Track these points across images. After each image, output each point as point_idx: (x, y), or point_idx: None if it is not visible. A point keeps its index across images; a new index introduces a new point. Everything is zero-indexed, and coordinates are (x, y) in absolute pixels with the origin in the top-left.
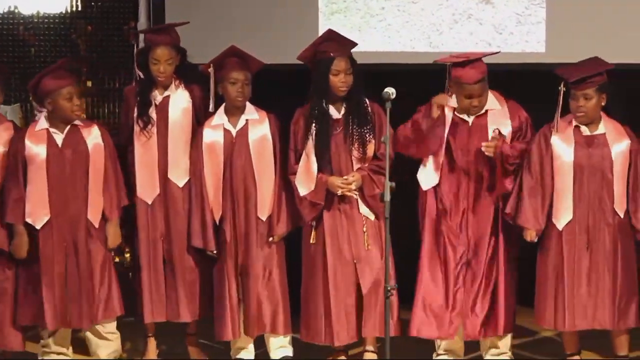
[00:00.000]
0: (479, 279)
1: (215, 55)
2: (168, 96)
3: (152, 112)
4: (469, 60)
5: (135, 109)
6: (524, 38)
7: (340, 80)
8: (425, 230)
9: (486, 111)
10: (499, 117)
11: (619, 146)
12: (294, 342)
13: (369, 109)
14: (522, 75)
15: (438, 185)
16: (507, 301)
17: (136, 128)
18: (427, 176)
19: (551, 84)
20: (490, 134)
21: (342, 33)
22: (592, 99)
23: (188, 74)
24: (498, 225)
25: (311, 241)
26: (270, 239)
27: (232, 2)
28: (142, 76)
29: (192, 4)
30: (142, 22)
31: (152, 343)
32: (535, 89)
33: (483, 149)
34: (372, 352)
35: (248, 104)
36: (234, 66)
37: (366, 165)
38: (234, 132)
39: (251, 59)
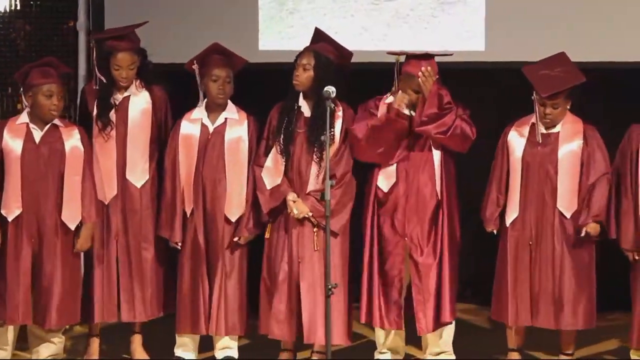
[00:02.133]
0: (428, 272)
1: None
2: (128, 97)
3: (112, 114)
4: (422, 55)
5: (95, 110)
6: (464, 36)
7: (295, 73)
8: (366, 222)
9: None
10: None
11: (569, 146)
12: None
13: (341, 112)
14: (462, 73)
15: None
16: (451, 290)
17: (95, 129)
18: (388, 177)
19: (491, 82)
20: None
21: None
22: (560, 106)
23: (149, 74)
24: (439, 216)
25: (266, 235)
26: (236, 239)
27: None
28: (103, 80)
29: (132, 2)
30: (82, 22)
31: (94, 343)
32: (474, 87)
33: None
34: (319, 352)
35: (230, 103)
36: (216, 63)
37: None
38: (211, 128)
39: (234, 56)
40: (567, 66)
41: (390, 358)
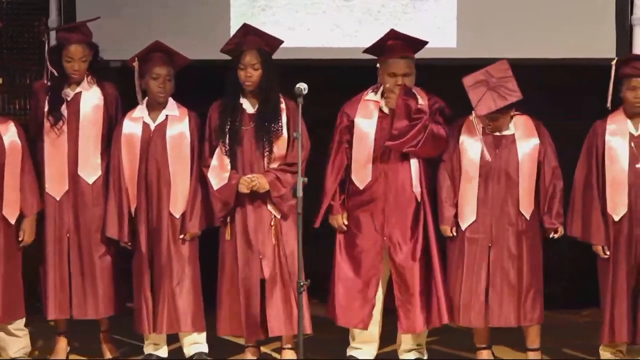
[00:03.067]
0: (409, 272)
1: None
2: (80, 92)
3: (63, 109)
4: (392, 36)
5: (46, 105)
6: (435, 33)
7: (245, 74)
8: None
9: None
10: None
11: (527, 146)
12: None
13: (283, 105)
14: (434, 69)
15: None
16: (445, 291)
17: (46, 124)
18: (364, 174)
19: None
20: None
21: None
22: (500, 118)
23: (100, 70)
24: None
25: (227, 237)
26: (182, 236)
27: None
28: (55, 73)
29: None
30: (53, 19)
31: (61, 341)
32: (446, 83)
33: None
34: (289, 349)
35: (170, 99)
36: (157, 61)
37: (276, 165)
38: (152, 126)
39: (176, 54)
40: (506, 80)
41: (363, 355)
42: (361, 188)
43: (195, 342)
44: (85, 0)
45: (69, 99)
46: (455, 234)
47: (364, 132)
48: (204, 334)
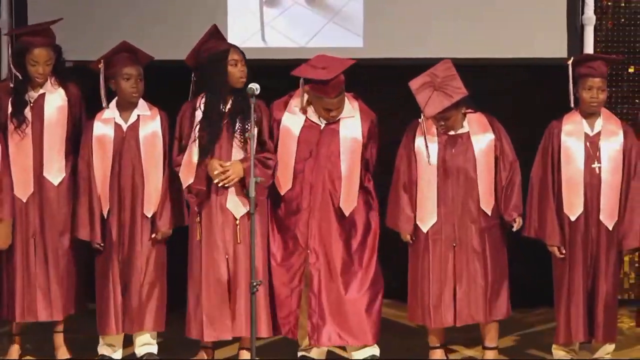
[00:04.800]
0: (328, 282)
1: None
2: (43, 94)
3: (27, 111)
4: (329, 80)
5: (10, 107)
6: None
7: (239, 70)
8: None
9: (339, 119)
10: (351, 126)
11: (482, 142)
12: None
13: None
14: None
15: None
16: (369, 308)
17: (10, 127)
18: (283, 182)
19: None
20: (343, 141)
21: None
22: (453, 116)
23: (64, 71)
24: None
25: (197, 237)
26: (153, 235)
27: None
28: (19, 76)
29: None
30: (4, 19)
31: (16, 343)
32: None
33: None
34: (247, 349)
35: (141, 99)
36: (127, 62)
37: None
38: (124, 126)
39: (141, 53)
40: (450, 79)
41: (315, 355)
42: (282, 194)
43: (146, 343)
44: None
45: (32, 100)
46: (413, 239)
47: (290, 137)
48: (155, 336)
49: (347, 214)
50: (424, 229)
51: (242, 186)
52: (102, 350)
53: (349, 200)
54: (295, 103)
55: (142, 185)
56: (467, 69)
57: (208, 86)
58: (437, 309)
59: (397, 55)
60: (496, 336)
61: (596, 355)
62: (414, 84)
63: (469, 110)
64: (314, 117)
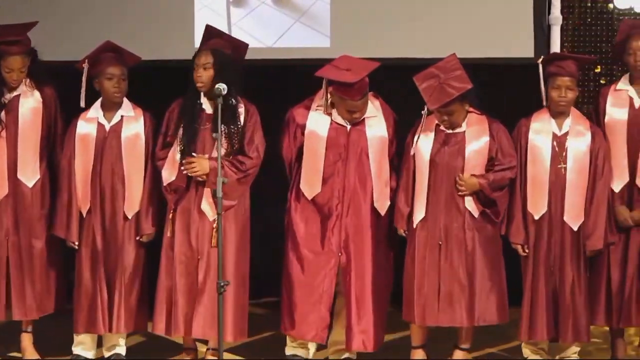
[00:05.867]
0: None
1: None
2: (18, 96)
3: (3, 115)
4: (354, 82)
5: None
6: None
7: (195, 74)
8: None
9: (363, 118)
10: (376, 125)
11: (476, 144)
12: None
13: (242, 107)
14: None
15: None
16: (376, 314)
17: None
18: (311, 186)
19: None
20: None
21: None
22: (456, 111)
23: (39, 73)
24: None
25: (168, 234)
26: (138, 237)
27: None
28: None
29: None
30: None
31: None
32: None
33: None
34: (213, 350)
35: (125, 100)
36: (110, 61)
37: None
38: (107, 126)
39: (127, 53)
40: (455, 72)
41: (301, 353)
42: (309, 198)
43: (115, 344)
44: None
45: (6, 102)
46: (406, 232)
47: (318, 140)
48: (124, 337)
49: (382, 212)
50: (414, 224)
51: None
52: (77, 350)
53: (383, 198)
54: (318, 105)
55: (122, 186)
56: None
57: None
58: (420, 307)
59: (364, 55)
60: (471, 337)
61: (562, 355)
62: (419, 78)
63: (473, 110)
64: (339, 119)
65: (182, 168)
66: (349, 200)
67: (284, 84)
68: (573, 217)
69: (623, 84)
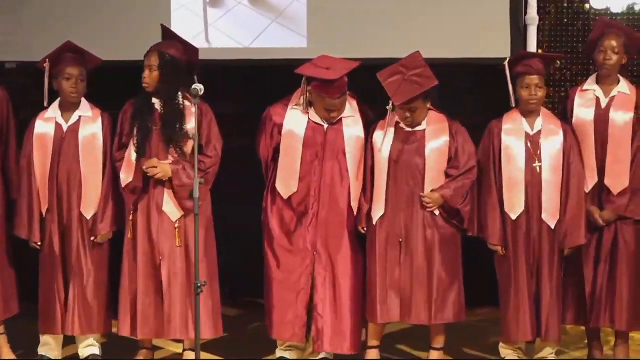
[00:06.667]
0: (327, 287)
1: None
2: None
3: None
4: (334, 80)
5: None
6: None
7: (144, 75)
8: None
9: (340, 118)
10: (354, 124)
11: (436, 143)
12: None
13: (193, 108)
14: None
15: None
16: (353, 315)
17: None
18: (287, 186)
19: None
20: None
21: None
22: (418, 108)
23: None
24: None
25: (128, 236)
26: (93, 238)
27: None
28: None
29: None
30: None
31: None
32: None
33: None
34: (190, 350)
35: (84, 100)
36: (70, 62)
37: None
38: (65, 127)
39: (88, 55)
40: (420, 69)
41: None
42: (285, 198)
43: (90, 345)
44: None
45: None
46: (365, 229)
47: (295, 140)
48: (98, 336)
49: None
50: (374, 220)
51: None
52: (42, 350)
53: (358, 198)
54: (296, 104)
55: (80, 186)
56: None
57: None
58: (384, 304)
59: (341, 56)
60: (443, 337)
61: (540, 355)
62: (383, 74)
63: (433, 109)
64: (316, 118)
65: (146, 171)
66: (326, 199)
67: (261, 85)
68: (550, 215)
69: (589, 84)
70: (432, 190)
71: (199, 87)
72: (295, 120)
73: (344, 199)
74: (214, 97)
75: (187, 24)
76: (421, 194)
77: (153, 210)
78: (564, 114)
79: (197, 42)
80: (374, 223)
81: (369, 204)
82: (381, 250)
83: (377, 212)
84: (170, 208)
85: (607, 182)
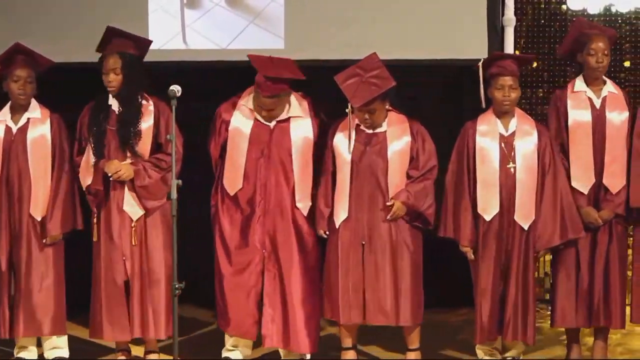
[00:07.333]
0: (276, 284)
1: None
2: None
3: None
4: (266, 76)
5: None
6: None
7: (107, 79)
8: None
9: (289, 117)
10: (302, 125)
11: (397, 144)
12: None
13: (151, 107)
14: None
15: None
16: (305, 314)
17: None
18: (232, 182)
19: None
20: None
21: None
22: (377, 110)
23: None
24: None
25: (94, 239)
26: (44, 241)
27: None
28: None
29: None
30: None
31: None
32: None
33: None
34: (153, 352)
35: (33, 101)
36: (18, 64)
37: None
38: (14, 128)
39: (38, 56)
40: (377, 70)
41: (237, 356)
42: (231, 194)
43: (55, 347)
44: None
45: None
46: (327, 233)
47: (240, 137)
48: (64, 338)
49: (305, 213)
50: (336, 224)
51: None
52: (17, 352)
53: (305, 198)
54: (244, 102)
55: (29, 188)
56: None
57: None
58: (346, 306)
59: (318, 57)
60: (417, 337)
61: (508, 354)
62: (340, 77)
63: (393, 109)
64: (260, 118)
65: (109, 175)
66: (272, 198)
67: (238, 86)
68: (524, 216)
69: (580, 86)
70: (392, 198)
71: (176, 89)
72: (242, 118)
73: (290, 198)
74: (191, 98)
75: (164, 26)
76: (388, 203)
77: (114, 211)
78: (555, 115)
79: (175, 43)
80: (337, 226)
81: (330, 208)
82: (344, 252)
83: (341, 215)
84: (131, 207)
85: (605, 181)
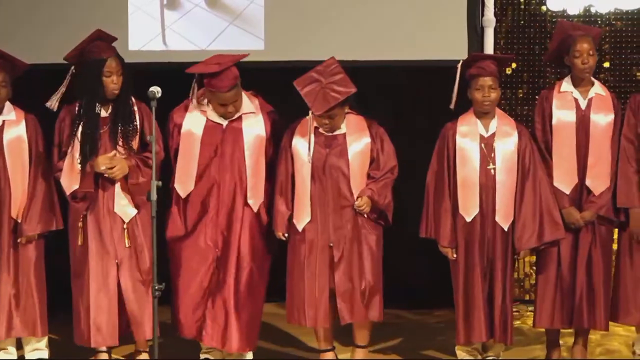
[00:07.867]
0: (223, 284)
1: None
2: None
3: None
4: (220, 71)
5: None
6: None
7: (112, 81)
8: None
9: (240, 116)
10: (254, 123)
11: (357, 146)
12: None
13: (135, 107)
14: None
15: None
16: (246, 314)
17: None
18: (183, 184)
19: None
20: (247, 137)
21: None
22: (337, 115)
23: None
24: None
25: (79, 243)
26: (19, 240)
27: None
28: None
29: None
30: None
31: None
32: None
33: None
34: (143, 352)
35: (8, 104)
36: None
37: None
38: None
39: (13, 60)
40: (337, 76)
41: (218, 357)
42: (182, 197)
43: (36, 349)
44: None
45: None
46: (287, 236)
47: (192, 139)
48: (44, 340)
49: (255, 209)
50: (299, 227)
51: (127, 190)
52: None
53: (257, 195)
54: (194, 104)
55: (9, 189)
56: (367, 70)
57: (85, 92)
58: (312, 309)
59: (298, 58)
60: (368, 334)
61: (488, 355)
62: (299, 83)
63: (350, 111)
64: (214, 117)
65: (103, 172)
66: (225, 197)
67: None
68: (504, 217)
69: (567, 86)
70: (357, 196)
71: (155, 90)
72: (193, 120)
73: (243, 196)
74: (171, 99)
75: (143, 27)
76: (356, 202)
77: (105, 214)
78: (540, 115)
79: (154, 44)
80: (299, 229)
81: (290, 211)
82: (310, 255)
83: (303, 219)
84: (121, 208)
85: (588, 182)
